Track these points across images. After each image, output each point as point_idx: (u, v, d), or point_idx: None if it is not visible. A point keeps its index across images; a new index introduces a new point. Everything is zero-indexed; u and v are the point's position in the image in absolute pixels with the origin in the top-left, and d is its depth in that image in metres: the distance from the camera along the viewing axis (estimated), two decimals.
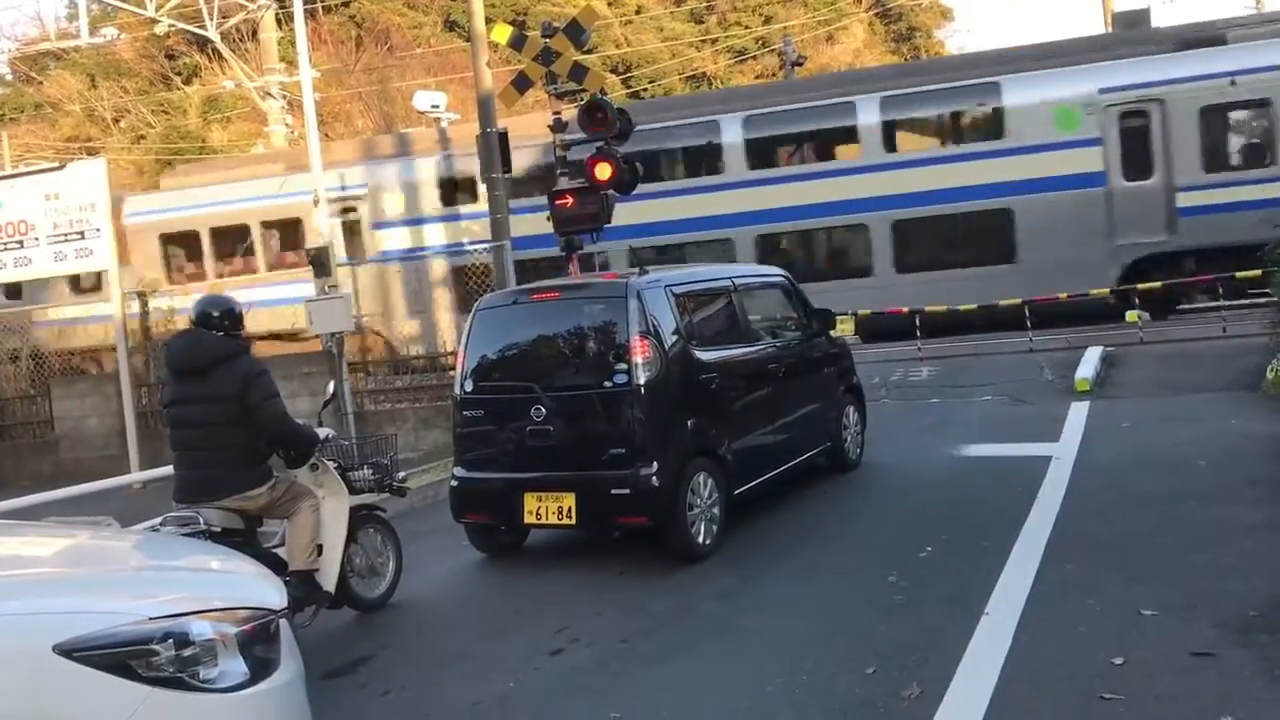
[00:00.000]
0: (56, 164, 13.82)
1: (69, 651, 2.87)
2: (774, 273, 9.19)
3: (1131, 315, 14.86)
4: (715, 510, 6.87)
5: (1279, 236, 10.88)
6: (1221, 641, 4.60)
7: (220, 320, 5.73)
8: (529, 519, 6.80)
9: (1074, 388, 11.51)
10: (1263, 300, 13.23)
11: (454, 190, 18.65)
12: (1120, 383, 11.88)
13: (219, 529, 5.47)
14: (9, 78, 42.74)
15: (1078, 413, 10.31)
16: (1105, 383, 11.88)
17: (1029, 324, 14.94)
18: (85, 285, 18.11)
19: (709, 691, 4.72)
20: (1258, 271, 12.62)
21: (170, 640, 3.01)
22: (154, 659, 2.98)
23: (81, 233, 12.17)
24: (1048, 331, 15.03)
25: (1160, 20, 28.94)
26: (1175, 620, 4.89)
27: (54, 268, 12.60)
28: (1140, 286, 15.39)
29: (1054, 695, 4.28)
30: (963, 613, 5.23)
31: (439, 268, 18.54)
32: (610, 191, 10.76)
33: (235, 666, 3.13)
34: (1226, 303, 14.66)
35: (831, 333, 9.13)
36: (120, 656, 2.94)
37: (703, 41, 41.34)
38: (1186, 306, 16.29)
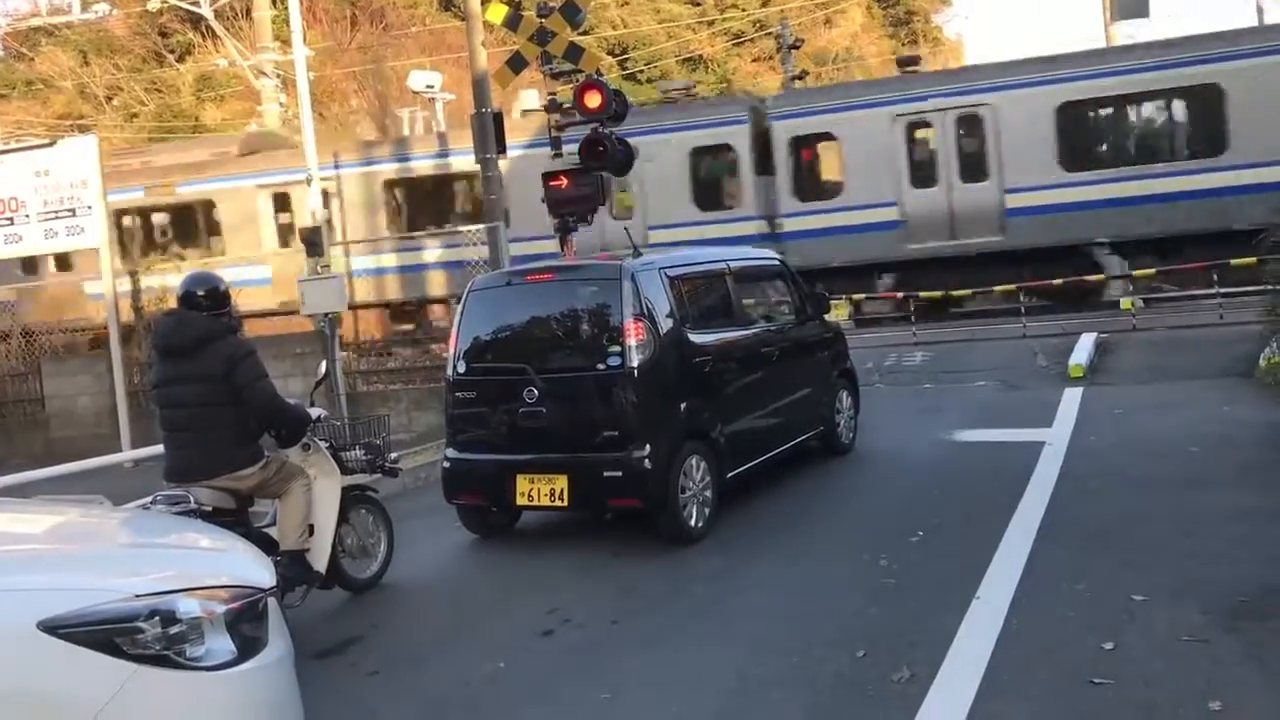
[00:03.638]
0: (47, 140, 13.68)
1: (54, 628, 2.85)
2: (769, 256, 9.16)
3: (1126, 303, 14.89)
4: (707, 493, 6.86)
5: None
6: (1211, 627, 4.61)
7: (204, 299, 5.66)
8: (521, 501, 6.79)
9: (1067, 374, 11.51)
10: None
11: None
12: (1114, 369, 11.89)
13: (210, 508, 5.44)
14: (0, 54, 42.45)
15: (1071, 398, 10.32)
16: (1099, 369, 11.88)
17: (1023, 310, 14.98)
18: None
19: (699, 672, 4.72)
20: (1253, 259, 12.62)
21: (156, 618, 2.98)
22: (140, 636, 2.95)
23: (73, 210, 12.08)
24: (1041, 318, 15.06)
25: (1158, 8, 28.85)
26: (1166, 605, 4.90)
27: (45, 245, 12.52)
28: (1137, 274, 15.40)
29: (1044, 679, 4.29)
30: (954, 597, 5.23)
31: None
32: (605, 173, 10.72)
33: (222, 645, 3.10)
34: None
35: (826, 317, 9.12)
36: (106, 633, 2.91)
37: (700, 24, 41.18)
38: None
